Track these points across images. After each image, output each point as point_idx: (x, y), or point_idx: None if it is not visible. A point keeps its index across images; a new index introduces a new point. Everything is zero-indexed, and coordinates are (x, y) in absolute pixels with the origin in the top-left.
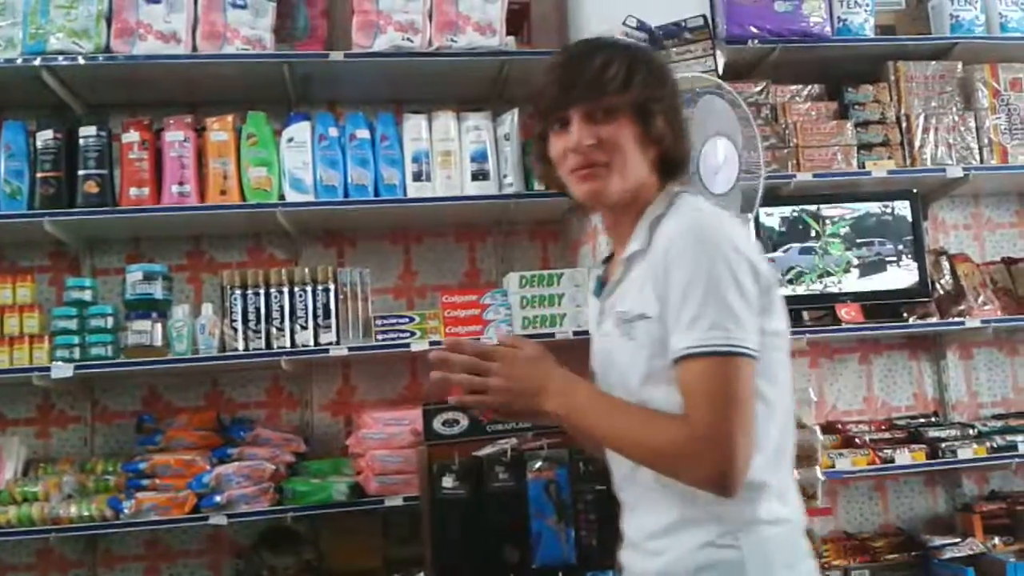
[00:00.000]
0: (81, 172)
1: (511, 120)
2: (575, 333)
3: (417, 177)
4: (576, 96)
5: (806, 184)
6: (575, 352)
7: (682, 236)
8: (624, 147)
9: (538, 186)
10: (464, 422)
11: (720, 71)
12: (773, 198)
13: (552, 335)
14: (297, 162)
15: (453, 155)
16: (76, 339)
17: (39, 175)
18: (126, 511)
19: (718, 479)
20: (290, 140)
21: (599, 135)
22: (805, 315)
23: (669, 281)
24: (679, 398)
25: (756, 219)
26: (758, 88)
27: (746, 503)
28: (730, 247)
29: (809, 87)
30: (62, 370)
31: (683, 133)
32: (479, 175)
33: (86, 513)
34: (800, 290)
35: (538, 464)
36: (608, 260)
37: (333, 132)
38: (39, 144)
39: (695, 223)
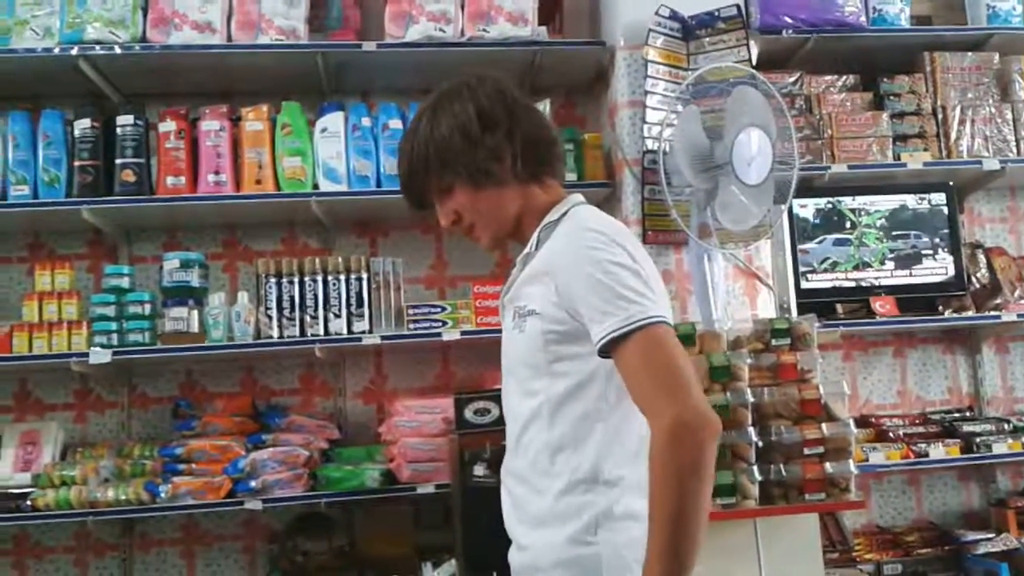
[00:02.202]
0: (118, 161)
1: (543, 110)
2: None
3: None
4: (415, 205)
5: (841, 175)
6: None
7: (567, 244)
8: (474, 206)
9: (570, 176)
10: (495, 411)
11: (754, 61)
12: (807, 189)
13: None
14: (331, 152)
15: None
16: (114, 325)
17: (77, 163)
18: (162, 495)
19: (704, 430)
20: (324, 130)
21: (453, 210)
22: (839, 308)
23: (565, 286)
24: (557, 390)
25: (790, 210)
26: (792, 78)
27: (602, 498)
28: (609, 243)
29: (844, 78)
30: (100, 356)
31: (510, 142)
32: None
33: (123, 497)
34: (834, 282)
35: None
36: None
37: (366, 122)
38: (77, 133)
39: (576, 229)
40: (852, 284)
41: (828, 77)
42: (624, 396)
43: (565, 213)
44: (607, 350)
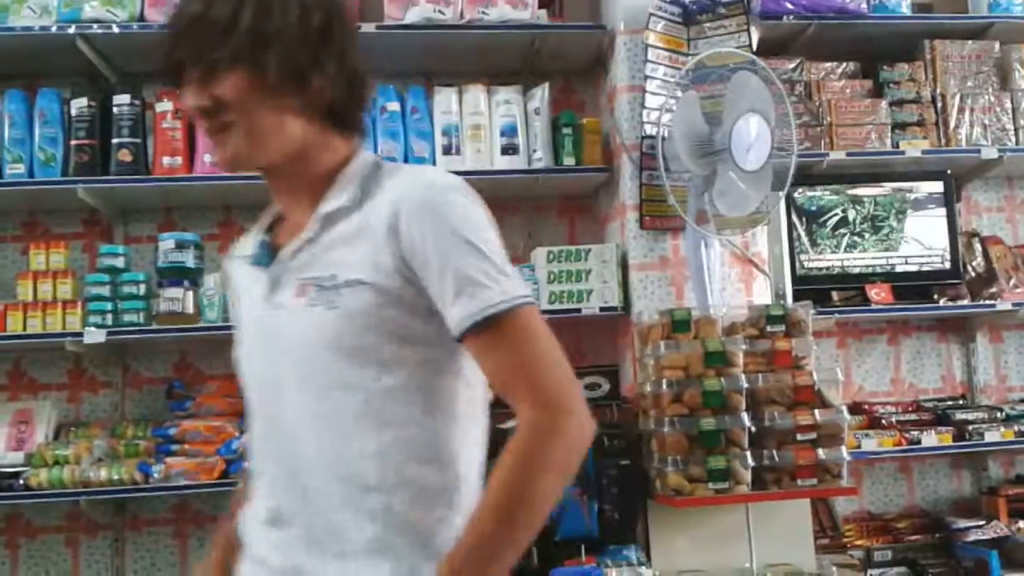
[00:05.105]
0: (115, 140)
1: (542, 94)
2: (602, 309)
3: (447, 150)
4: (180, 53)
5: (839, 163)
6: (600, 327)
7: (421, 196)
8: (246, 103)
9: (568, 161)
10: (488, 395)
11: (754, 47)
12: (805, 176)
13: (579, 311)
14: None
15: (483, 129)
16: (109, 305)
17: (73, 143)
18: (155, 475)
19: (582, 430)
20: None
21: (217, 97)
22: (834, 295)
23: (420, 246)
24: (389, 382)
25: (788, 196)
26: (792, 65)
27: (456, 513)
28: (474, 201)
29: (844, 65)
30: (94, 336)
31: (338, 73)
32: (508, 149)
33: (116, 477)
34: (830, 270)
35: None
36: (272, 227)
37: None
38: (73, 112)
39: (430, 181)
40: (848, 271)
41: (828, 64)
42: (470, 390)
43: (378, 163)
44: (468, 333)
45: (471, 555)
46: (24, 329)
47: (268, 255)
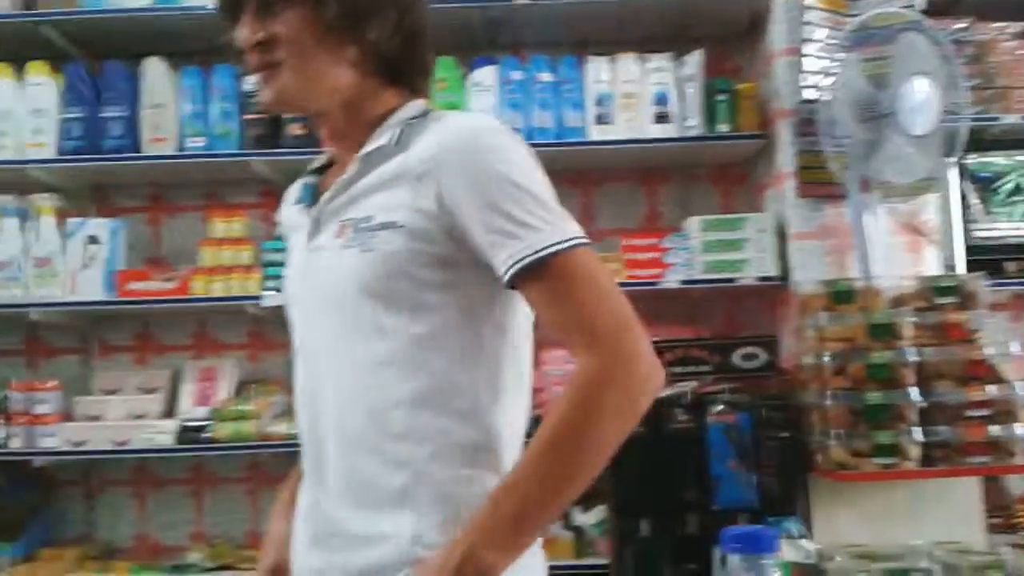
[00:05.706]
0: (286, 115)
1: (695, 60)
2: (759, 279)
3: (600, 120)
4: (233, 3)
5: (1014, 127)
6: (756, 298)
7: (461, 140)
8: (301, 42)
9: (722, 128)
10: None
11: (921, 7)
12: (977, 141)
13: (732, 280)
14: (483, 105)
15: (635, 97)
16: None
17: (247, 117)
18: None
19: (645, 375)
20: (477, 84)
21: (270, 30)
22: (1009, 266)
23: (460, 191)
24: (423, 328)
25: (958, 162)
26: (961, 25)
27: (489, 470)
28: (517, 143)
29: (1016, 24)
30: (271, 300)
31: (397, 28)
32: (661, 117)
33: (294, 431)
34: (1005, 239)
35: (719, 408)
36: (322, 170)
37: (517, 76)
38: (247, 87)
39: (471, 124)
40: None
41: (999, 24)
42: (514, 351)
43: (426, 112)
44: (519, 277)
45: (510, 496)
46: (207, 293)
47: (312, 196)
